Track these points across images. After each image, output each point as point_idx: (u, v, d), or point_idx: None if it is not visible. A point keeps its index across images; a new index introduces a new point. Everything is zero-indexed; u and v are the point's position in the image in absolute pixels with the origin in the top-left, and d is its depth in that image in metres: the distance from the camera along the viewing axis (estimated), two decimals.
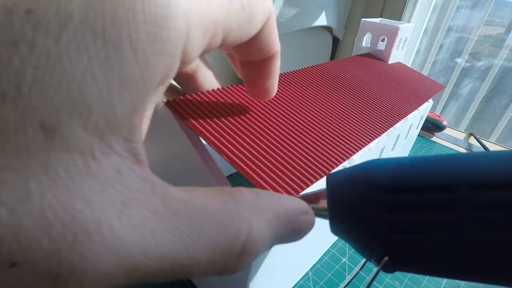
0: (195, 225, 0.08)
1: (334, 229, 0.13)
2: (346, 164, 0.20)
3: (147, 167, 0.08)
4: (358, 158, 0.21)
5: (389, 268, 0.11)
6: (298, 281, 0.26)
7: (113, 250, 0.07)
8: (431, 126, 0.52)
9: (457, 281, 0.27)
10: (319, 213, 0.13)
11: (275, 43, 0.14)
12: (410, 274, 0.27)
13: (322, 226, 0.24)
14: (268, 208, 0.10)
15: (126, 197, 0.07)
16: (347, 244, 0.29)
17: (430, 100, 0.34)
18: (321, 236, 0.25)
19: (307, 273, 0.27)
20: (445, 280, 0.27)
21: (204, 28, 0.09)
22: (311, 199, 0.13)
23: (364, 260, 0.13)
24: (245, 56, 0.14)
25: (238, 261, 0.09)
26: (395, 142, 0.30)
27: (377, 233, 0.11)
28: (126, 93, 0.07)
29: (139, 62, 0.08)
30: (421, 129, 0.49)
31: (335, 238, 0.30)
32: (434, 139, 0.52)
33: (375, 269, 0.11)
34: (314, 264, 0.27)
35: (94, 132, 0.07)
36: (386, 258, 0.11)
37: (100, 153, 0.07)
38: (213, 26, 0.10)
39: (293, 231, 0.11)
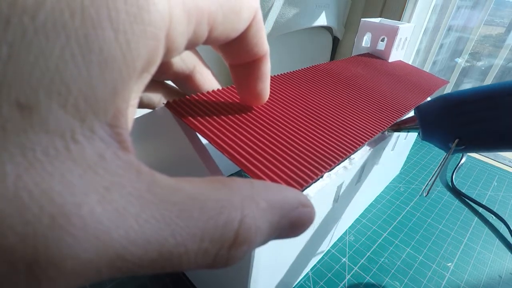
0: (183, 212, 0.08)
1: (425, 135, 0.22)
2: (353, 157, 0.20)
3: (133, 154, 0.08)
4: (358, 158, 0.21)
5: (460, 145, 0.20)
6: (299, 281, 0.26)
7: (94, 235, 0.06)
8: None
9: (456, 281, 0.27)
10: (411, 128, 0.22)
11: (264, 44, 0.14)
12: (410, 274, 0.27)
13: (321, 225, 0.24)
14: (262, 197, 0.10)
15: (108, 181, 0.07)
16: (347, 244, 0.29)
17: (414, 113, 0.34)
18: (321, 236, 0.25)
19: (307, 273, 0.27)
20: (445, 281, 0.27)
21: (187, 13, 0.09)
22: (405, 121, 0.22)
23: (445, 154, 0.21)
24: (235, 59, 0.14)
25: (231, 251, 0.09)
26: (395, 142, 0.30)
27: (452, 128, 0.20)
28: (107, 74, 0.07)
29: (120, 43, 0.07)
30: None
31: (335, 238, 0.30)
32: None
33: (451, 148, 0.20)
34: (314, 264, 0.27)
35: (74, 114, 0.07)
36: (457, 140, 0.20)
37: (82, 137, 0.07)
38: (197, 12, 0.10)
39: (291, 224, 0.10)
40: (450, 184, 0.41)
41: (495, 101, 0.18)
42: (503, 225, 0.34)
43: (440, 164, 0.22)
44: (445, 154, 0.21)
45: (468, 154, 0.48)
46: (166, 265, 0.08)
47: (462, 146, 0.20)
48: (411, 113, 0.29)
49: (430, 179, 0.22)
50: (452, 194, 0.39)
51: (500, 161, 0.48)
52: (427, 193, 0.23)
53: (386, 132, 0.22)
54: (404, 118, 0.22)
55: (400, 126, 0.23)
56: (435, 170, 0.23)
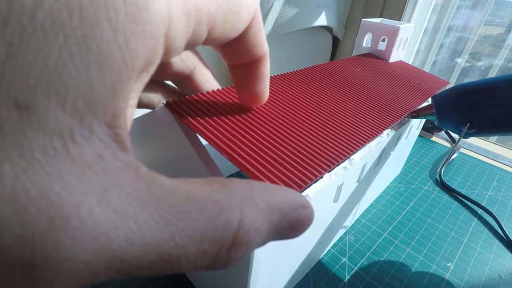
0: (182, 213, 0.08)
1: (440, 120, 0.25)
2: (353, 158, 0.20)
3: (132, 154, 0.08)
4: (358, 159, 0.21)
5: (470, 129, 0.23)
6: (299, 281, 0.26)
7: (92, 236, 0.06)
8: (431, 126, 0.52)
9: (456, 281, 0.27)
10: (428, 114, 0.25)
11: (263, 44, 0.14)
12: (410, 274, 0.27)
13: (321, 225, 0.24)
14: (261, 198, 0.10)
15: (107, 182, 0.07)
16: (347, 244, 0.29)
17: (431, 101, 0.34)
18: (321, 237, 0.25)
19: (307, 273, 0.27)
20: (445, 281, 0.27)
21: (187, 13, 0.09)
22: (422, 109, 0.26)
23: (458, 139, 0.24)
24: (234, 59, 0.14)
25: (230, 252, 0.09)
26: (396, 143, 0.30)
27: (464, 113, 0.23)
28: (106, 74, 0.07)
29: (119, 43, 0.07)
30: (421, 129, 0.49)
31: (335, 238, 0.30)
32: (434, 139, 0.52)
33: (463, 131, 0.23)
34: (314, 264, 0.27)
35: (73, 113, 0.07)
36: (469, 123, 0.23)
37: (81, 137, 0.07)
38: (197, 12, 0.09)
39: (290, 225, 0.10)
40: (438, 178, 0.41)
41: (499, 90, 0.21)
42: (503, 222, 0.34)
43: (454, 146, 0.26)
44: (459, 136, 0.25)
45: (467, 154, 0.48)
46: (165, 266, 0.08)
47: (473, 129, 0.23)
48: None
49: (445, 160, 0.27)
50: (440, 188, 0.40)
51: (500, 161, 0.47)
52: (441, 171, 0.30)
53: (405, 119, 0.26)
54: (421, 106, 0.26)
55: (418, 113, 0.26)
56: (449, 151, 0.28)
